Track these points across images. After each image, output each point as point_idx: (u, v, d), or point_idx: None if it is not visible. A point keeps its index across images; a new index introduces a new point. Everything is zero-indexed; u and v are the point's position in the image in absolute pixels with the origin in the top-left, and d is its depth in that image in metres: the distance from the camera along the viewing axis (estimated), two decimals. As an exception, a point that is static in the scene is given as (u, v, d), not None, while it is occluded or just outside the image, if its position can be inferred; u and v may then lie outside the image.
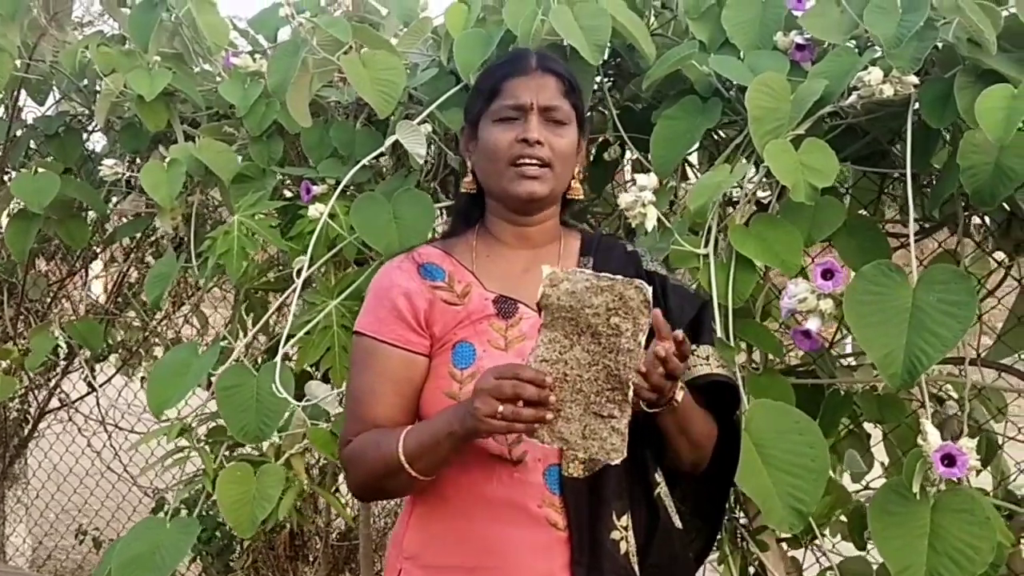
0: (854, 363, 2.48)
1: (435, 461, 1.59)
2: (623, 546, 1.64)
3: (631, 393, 1.48)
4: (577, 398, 1.49)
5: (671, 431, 1.66)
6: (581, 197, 1.82)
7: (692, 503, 1.86)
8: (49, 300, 4.07)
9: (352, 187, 2.52)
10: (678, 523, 1.74)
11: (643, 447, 1.68)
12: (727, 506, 1.92)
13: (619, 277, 1.50)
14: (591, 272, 1.50)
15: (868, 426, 2.57)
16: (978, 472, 2.44)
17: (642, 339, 1.47)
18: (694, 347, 1.72)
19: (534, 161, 1.68)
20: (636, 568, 1.64)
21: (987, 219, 2.31)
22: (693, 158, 2.57)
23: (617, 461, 1.49)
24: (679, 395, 1.60)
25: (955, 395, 2.41)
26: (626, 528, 1.65)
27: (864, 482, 2.48)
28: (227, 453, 2.43)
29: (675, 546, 1.73)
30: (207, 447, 2.39)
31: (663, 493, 1.72)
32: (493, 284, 1.71)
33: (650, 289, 1.49)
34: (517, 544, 1.62)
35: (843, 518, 2.36)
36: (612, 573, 1.62)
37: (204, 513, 3.31)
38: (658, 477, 1.72)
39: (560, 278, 1.49)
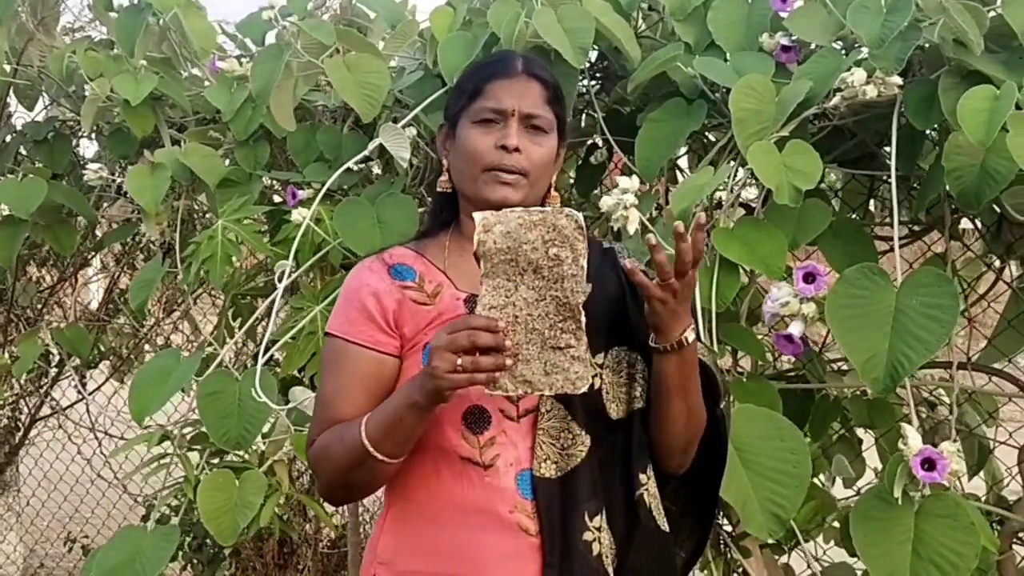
0: (844, 367, 2.47)
1: (400, 439, 1.56)
2: (595, 547, 1.61)
3: (583, 317, 1.48)
4: (532, 337, 1.47)
5: (672, 385, 1.62)
6: (558, 204, 1.77)
7: (681, 502, 1.83)
8: (40, 306, 4.06)
9: (340, 192, 2.51)
10: (664, 526, 1.70)
11: (629, 445, 1.66)
12: (715, 510, 1.89)
13: (548, 208, 1.50)
14: (520, 209, 1.49)
15: (863, 432, 2.56)
16: (970, 477, 2.44)
17: (583, 263, 1.47)
18: None
19: (510, 168, 1.66)
20: (609, 569, 1.62)
21: (978, 222, 2.30)
22: (684, 162, 2.56)
23: (584, 388, 1.48)
24: (690, 334, 1.58)
25: (947, 399, 2.39)
26: (599, 528, 1.62)
27: (857, 488, 2.46)
28: (216, 461, 2.41)
29: (658, 549, 1.70)
30: (189, 454, 2.36)
31: (648, 494, 1.68)
32: (465, 284, 1.69)
33: (580, 215, 1.48)
34: (487, 551, 1.60)
35: (836, 524, 2.34)
36: (583, 575, 1.59)
37: (195, 521, 3.31)
38: (643, 477, 1.68)
39: (492, 222, 1.48)
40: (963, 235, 2.40)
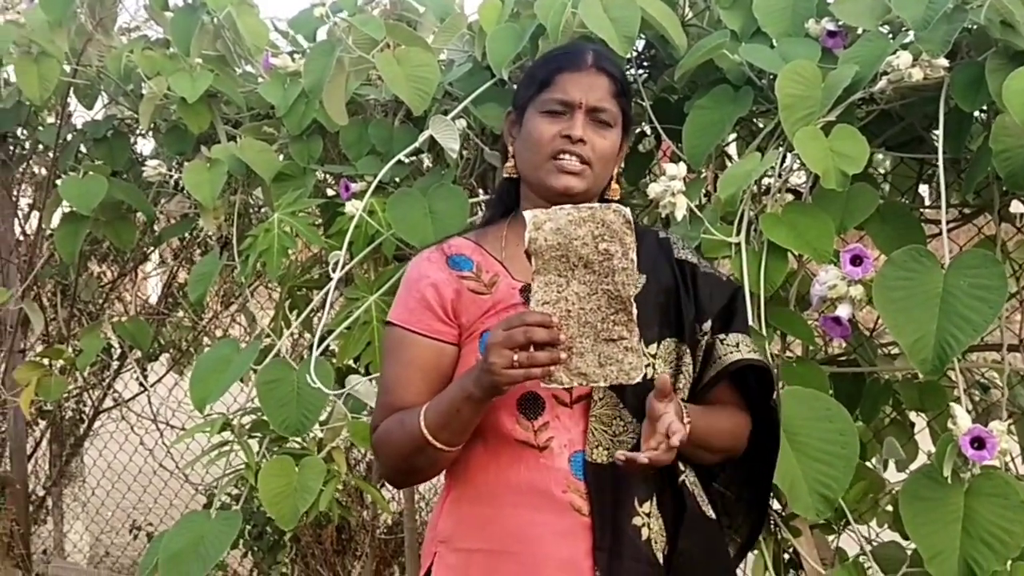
0: (895, 351, 2.47)
1: (457, 430, 1.62)
2: (645, 532, 1.65)
3: (634, 309, 1.51)
4: (585, 330, 1.51)
5: (689, 453, 1.67)
6: (618, 197, 1.81)
7: (737, 486, 1.86)
8: (102, 301, 4.15)
9: (392, 185, 2.55)
10: (711, 513, 1.73)
11: None
12: (770, 494, 1.90)
13: (595, 204, 1.54)
14: (570, 206, 1.53)
15: (916, 415, 2.56)
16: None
17: (633, 256, 1.50)
18: (723, 336, 1.72)
19: (574, 158, 1.69)
20: (658, 555, 1.65)
21: (1029, 203, 2.29)
22: (733, 149, 2.57)
23: (638, 379, 1.51)
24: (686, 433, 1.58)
25: (999, 382, 2.38)
26: (648, 514, 1.66)
27: (909, 471, 2.46)
28: (275, 449, 2.47)
29: (707, 535, 1.73)
30: (249, 442, 2.42)
31: (688, 481, 1.72)
32: (522, 274, 1.71)
33: (627, 210, 1.52)
34: (541, 529, 1.64)
35: (889, 508, 2.34)
36: (632, 559, 1.63)
37: (256, 509, 3.38)
38: (682, 465, 1.71)
39: (543, 219, 1.52)
40: (1016, 218, 2.39)
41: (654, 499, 1.67)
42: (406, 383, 1.72)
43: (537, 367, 1.49)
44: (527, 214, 1.54)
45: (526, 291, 1.69)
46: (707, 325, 1.71)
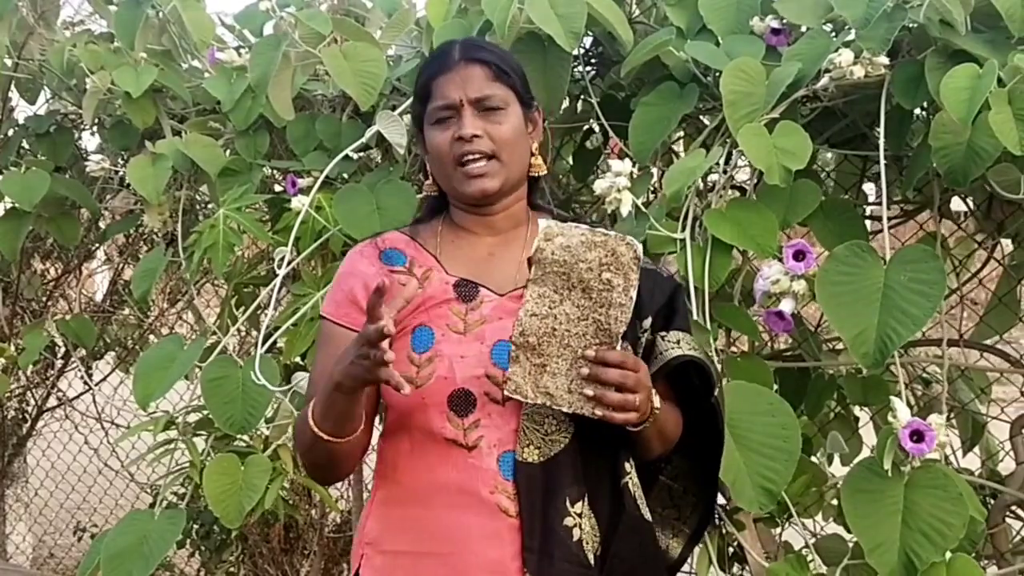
0: (840, 347, 2.50)
1: (334, 418, 1.60)
2: (576, 532, 1.61)
3: (619, 346, 1.50)
4: (564, 352, 1.50)
5: (648, 437, 1.64)
6: (544, 172, 1.80)
7: (683, 479, 1.85)
8: (45, 299, 4.10)
9: (340, 180, 2.54)
10: (647, 515, 1.71)
11: (614, 434, 1.64)
12: (717, 486, 1.90)
13: (612, 232, 1.53)
14: (586, 227, 1.53)
15: (860, 411, 2.59)
16: (965, 453, 2.47)
17: (633, 295, 1.50)
18: (664, 333, 1.70)
19: (476, 156, 1.67)
20: (590, 556, 1.61)
21: (970, 201, 2.32)
22: (680, 147, 2.58)
23: (601, 414, 1.50)
24: (656, 401, 1.58)
25: (940, 376, 2.42)
26: (580, 515, 1.62)
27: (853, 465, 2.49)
28: (220, 447, 2.45)
29: (642, 538, 1.70)
30: (194, 440, 2.40)
31: (631, 483, 1.69)
32: (456, 268, 1.71)
33: (640, 247, 1.51)
34: (469, 531, 1.61)
35: (835, 502, 2.37)
36: (563, 560, 1.59)
37: (203, 509, 3.35)
38: (628, 466, 1.68)
39: (555, 232, 1.52)
40: (959, 217, 2.43)
41: (586, 499, 1.63)
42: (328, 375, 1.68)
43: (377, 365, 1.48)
44: (542, 222, 1.54)
45: (460, 286, 1.67)
46: (648, 322, 1.69)
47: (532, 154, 1.77)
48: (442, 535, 1.62)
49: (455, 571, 1.61)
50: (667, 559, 1.84)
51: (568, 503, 1.62)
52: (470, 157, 1.67)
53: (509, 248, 1.73)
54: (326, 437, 1.60)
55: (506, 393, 1.54)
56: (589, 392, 1.50)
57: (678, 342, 1.69)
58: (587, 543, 1.62)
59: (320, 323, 1.78)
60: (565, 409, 1.51)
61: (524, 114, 1.74)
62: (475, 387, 1.62)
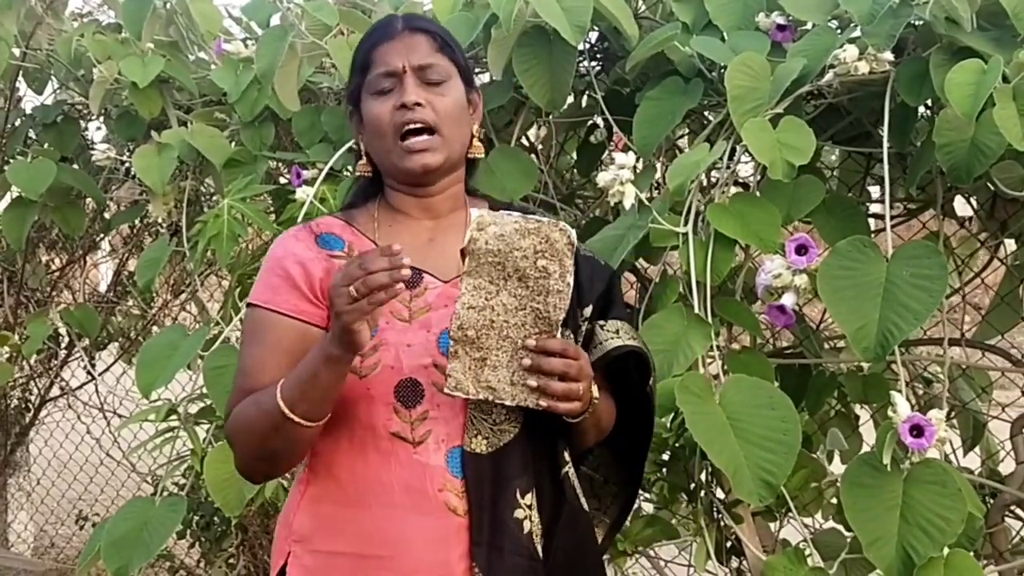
0: (841, 344, 2.50)
1: (315, 398, 1.49)
2: (527, 525, 1.57)
3: (559, 334, 1.47)
4: (504, 344, 1.47)
5: (585, 427, 1.61)
6: (482, 155, 1.73)
7: (604, 468, 1.83)
8: (50, 289, 4.11)
9: (344, 172, 2.55)
10: (585, 506, 1.69)
11: (555, 423, 1.60)
12: (642, 476, 1.86)
13: (545, 219, 1.49)
14: (518, 214, 1.48)
15: (861, 409, 2.59)
16: (966, 452, 2.47)
17: (570, 280, 1.46)
18: (602, 322, 1.67)
19: (418, 126, 1.60)
20: (539, 549, 1.57)
21: (973, 200, 2.32)
22: (684, 142, 2.59)
23: (546, 404, 1.47)
24: (595, 391, 1.55)
25: (942, 376, 2.42)
26: (530, 506, 1.58)
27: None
28: (222, 435, 2.45)
29: (583, 528, 1.68)
30: (195, 428, 2.41)
31: (571, 473, 1.66)
32: None
33: (573, 232, 1.47)
34: (412, 532, 1.54)
35: (834, 500, 2.37)
36: (513, 553, 1.54)
37: (203, 500, 3.36)
38: (566, 456, 1.65)
39: (488, 221, 1.48)
40: (965, 219, 2.43)
41: (534, 491, 1.59)
42: (268, 367, 1.59)
43: (375, 291, 1.38)
44: (474, 212, 1.48)
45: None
46: (588, 310, 1.66)
47: (472, 135, 1.70)
48: (384, 536, 1.55)
49: (399, 575, 1.54)
50: None
51: (518, 494, 1.57)
52: (412, 127, 1.60)
53: (449, 233, 1.65)
54: (296, 419, 1.48)
55: (446, 391, 1.48)
56: (533, 383, 1.46)
57: (617, 331, 1.66)
58: (536, 535, 1.58)
59: (248, 312, 1.66)
60: (508, 402, 1.48)
61: (466, 92, 1.68)
62: (423, 376, 1.57)
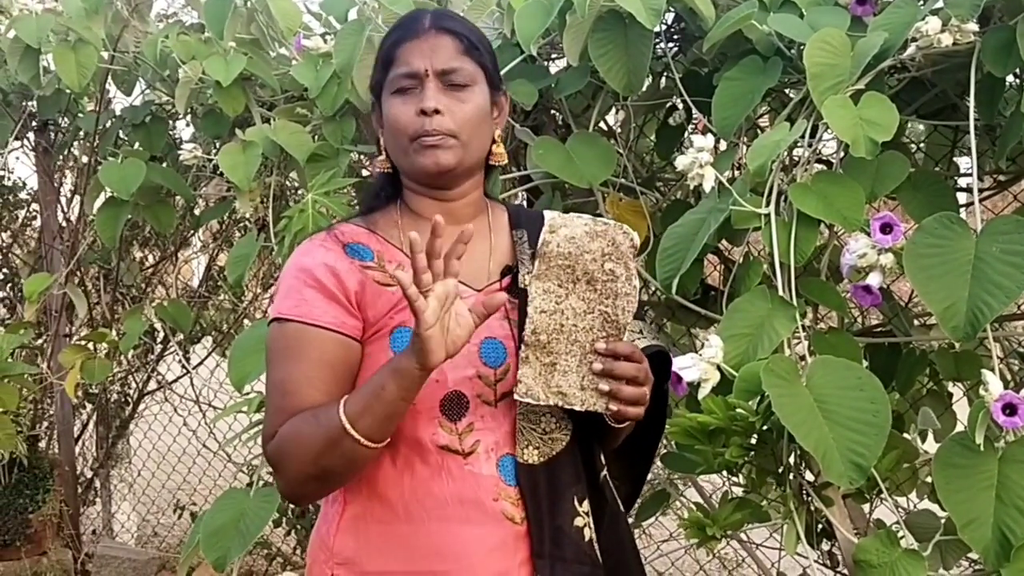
0: (931, 322, 2.45)
1: (380, 414, 1.43)
2: (587, 532, 1.55)
3: (626, 337, 1.46)
4: (573, 348, 1.45)
5: (625, 431, 1.61)
6: (504, 162, 1.69)
7: (608, 465, 1.79)
8: (144, 285, 4.21)
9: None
10: (621, 507, 1.68)
11: (591, 432, 1.61)
12: (647, 475, 1.87)
13: (611, 221, 1.48)
14: (588, 216, 1.47)
15: (953, 386, 2.55)
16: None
17: (636, 283, 1.45)
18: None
19: (434, 133, 1.55)
20: (598, 555, 1.56)
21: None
22: (764, 121, 2.56)
23: (616, 409, 1.46)
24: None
25: (1038, 351, 2.37)
26: (587, 514, 1.56)
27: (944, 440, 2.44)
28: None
29: (622, 529, 1.67)
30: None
31: (607, 475, 1.66)
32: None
33: (636, 235, 1.46)
34: (471, 544, 1.50)
35: (928, 479, 2.33)
36: (576, 562, 1.53)
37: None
38: (602, 459, 1.65)
39: (559, 223, 1.47)
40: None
41: (588, 497, 1.57)
42: (315, 383, 1.51)
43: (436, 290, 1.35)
44: (547, 214, 1.47)
45: None
46: None
47: (493, 141, 1.65)
48: (440, 551, 1.50)
49: None
50: None
51: (576, 502, 1.56)
52: (428, 134, 1.55)
53: (476, 239, 1.52)
54: (357, 435, 1.43)
55: (516, 397, 1.46)
56: (604, 387, 1.44)
57: (640, 331, 1.66)
58: (594, 542, 1.56)
59: (276, 327, 1.57)
60: (578, 408, 1.46)
61: (491, 96, 1.63)
62: (467, 389, 1.54)
